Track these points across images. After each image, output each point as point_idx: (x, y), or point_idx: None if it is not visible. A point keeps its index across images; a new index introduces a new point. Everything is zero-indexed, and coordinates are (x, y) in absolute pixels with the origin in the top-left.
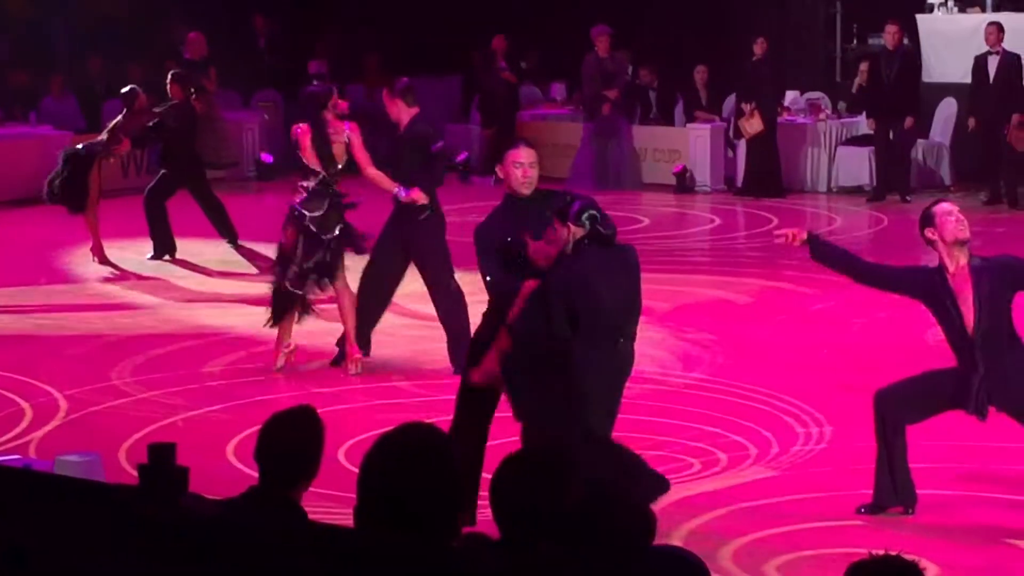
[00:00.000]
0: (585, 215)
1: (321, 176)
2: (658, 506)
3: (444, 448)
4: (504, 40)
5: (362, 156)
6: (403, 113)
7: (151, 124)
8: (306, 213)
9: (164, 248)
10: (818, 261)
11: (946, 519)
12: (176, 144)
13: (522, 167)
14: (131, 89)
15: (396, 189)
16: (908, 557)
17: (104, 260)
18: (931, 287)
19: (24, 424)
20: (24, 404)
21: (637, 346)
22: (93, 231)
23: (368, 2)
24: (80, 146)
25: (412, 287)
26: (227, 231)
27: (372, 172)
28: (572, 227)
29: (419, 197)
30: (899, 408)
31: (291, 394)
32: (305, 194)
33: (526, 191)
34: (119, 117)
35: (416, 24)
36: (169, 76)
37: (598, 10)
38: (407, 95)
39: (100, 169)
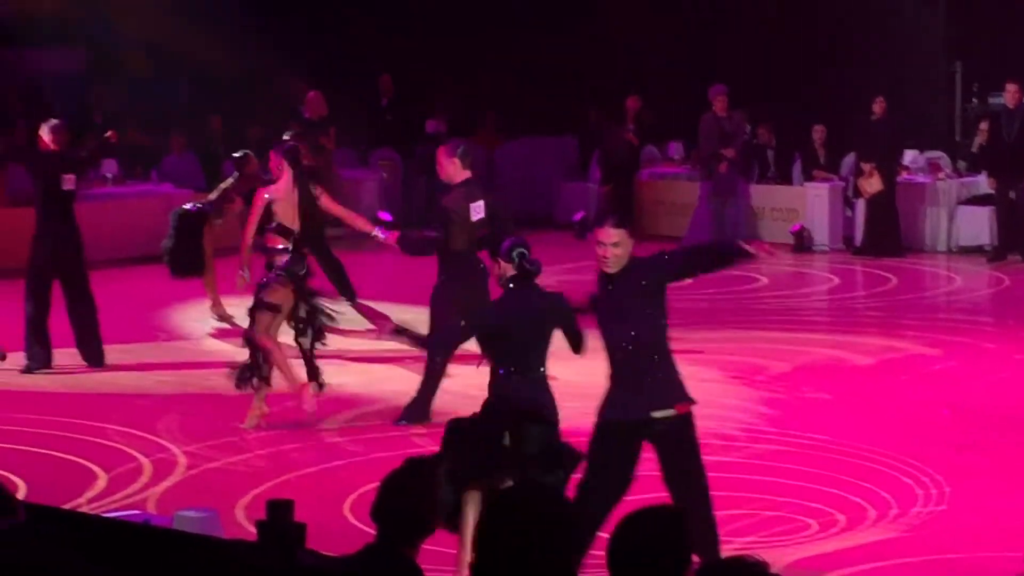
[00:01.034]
0: (515, 252)
1: (295, 234)
2: (776, 566)
3: (563, 507)
4: (637, 101)
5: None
6: (458, 174)
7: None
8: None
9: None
10: None
11: None
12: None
13: (603, 247)
14: (244, 154)
15: (375, 231)
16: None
17: (224, 316)
18: None
19: (144, 479)
20: (143, 459)
21: (755, 405)
22: (211, 288)
23: (485, 61)
24: (189, 205)
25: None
26: (346, 289)
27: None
28: (502, 263)
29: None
30: None
31: (407, 451)
32: (287, 255)
33: (608, 270)
34: (230, 179)
35: (533, 83)
36: (287, 136)
37: (716, 69)
38: (465, 157)
39: (212, 229)
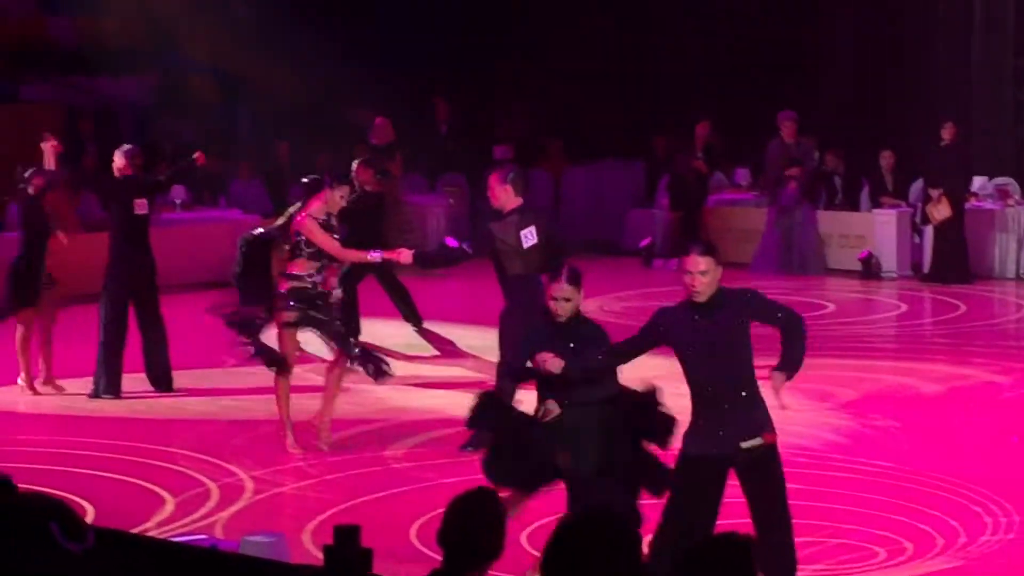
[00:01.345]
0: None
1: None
2: None
3: (627, 532)
4: (707, 127)
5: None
6: (510, 201)
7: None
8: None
9: (413, 320)
10: None
11: None
12: (363, 227)
13: (691, 276)
14: (312, 179)
15: (369, 255)
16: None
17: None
18: None
19: (211, 504)
20: (211, 484)
21: (822, 432)
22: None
23: (553, 87)
24: (256, 232)
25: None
26: (411, 315)
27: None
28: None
29: (394, 256)
30: None
31: (473, 478)
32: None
33: (698, 299)
34: (298, 204)
35: (599, 109)
36: (355, 163)
37: (784, 94)
38: (516, 183)
39: (279, 254)
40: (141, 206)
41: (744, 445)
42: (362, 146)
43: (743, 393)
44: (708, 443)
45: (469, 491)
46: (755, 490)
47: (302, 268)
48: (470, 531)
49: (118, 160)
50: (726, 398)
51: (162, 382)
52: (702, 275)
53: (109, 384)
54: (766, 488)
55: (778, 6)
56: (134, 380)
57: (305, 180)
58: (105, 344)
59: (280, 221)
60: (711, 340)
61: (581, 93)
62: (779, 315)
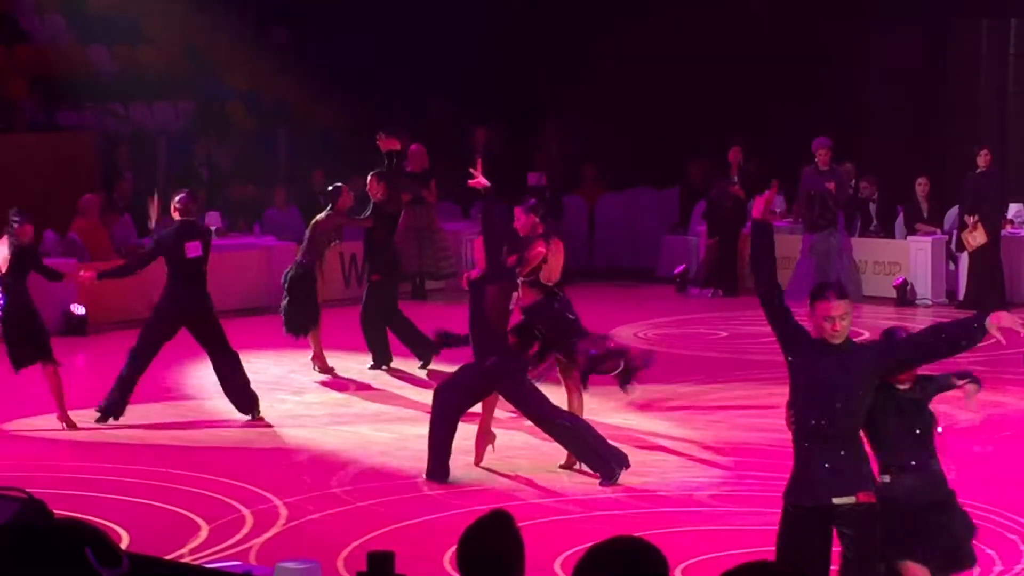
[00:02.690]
0: None
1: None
2: None
3: (655, 560)
4: (740, 152)
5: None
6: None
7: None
8: None
9: (382, 359)
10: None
11: None
12: (380, 240)
13: (832, 321)
14: (336, 187)
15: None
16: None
17: (325, 369)
18: None
19: (245, 530)
20: (245, 511)
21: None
22: (315, 341)
23: (587, 113)
24: (294, 269)
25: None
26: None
27: None
28: None
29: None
30: None
31: (505, 504)
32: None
33: (837, 342)
34: (321, 214)
35: (634, 135)
36: (370, 176)
37: (819, 121)
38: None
39: (323, 276)
40: (193, 248)
41: (836, 501)
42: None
43: (843, 441)
44: (804, 495)
45: (486, 516)
46: (845, 547)
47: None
48: (485, 557)
49: (174, 205)
50: (825, 445)
51: (246, 407)
52: (842, 319)
53: (109, 405)
54: (856, 548)
55: (816, 33)
56: (170, 407)
57: (330, 188)
58: (126, 376)
59: (306, 235)
60: (828, 375)
61: (616, 119)
62: (909, 337)
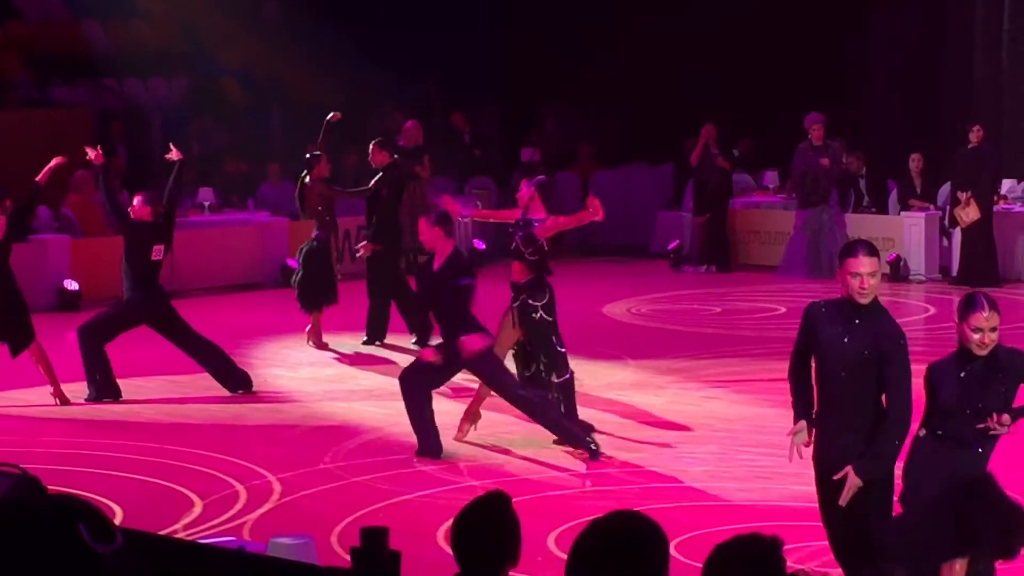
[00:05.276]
0: None
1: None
2: None
3: (654, 535)
4: (713, 127)
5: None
6: (440, 243)
7: (370, 194)
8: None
9: (375, 334)
10: None
11: None
12: (385, 211)
13: (858, 278)
14: (315, 155)
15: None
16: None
17: (319, 344)
18: None
19: (239, 506)
20: (239, 486)
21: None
22: (315, 315)
23: (582, 91)
24: (311, 238)
25: (625, 376)
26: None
27: None
28: None
29: None
30: None
31: (498, 480)
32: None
33: (864, 301)
34: (304, 183)
35: (628, 112)
36: (372, 143)
37: (812, 97)
38: (446, 225)
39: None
40: (158, 252)
41: (834, 477)
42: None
43: (859, 418)
44: (822, 456)
45: (482, 496)
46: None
47: None
48: (482, 537)
49: (139, 208)
50: (844, 416)
51: (239, 384)
52: (870, 276)
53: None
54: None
55: (811, 10)
56: (164, 383)
57: (307, 156)
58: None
59: (298, 204)
60: (855, 347)
61: (610, 96)
62: (892, 387)
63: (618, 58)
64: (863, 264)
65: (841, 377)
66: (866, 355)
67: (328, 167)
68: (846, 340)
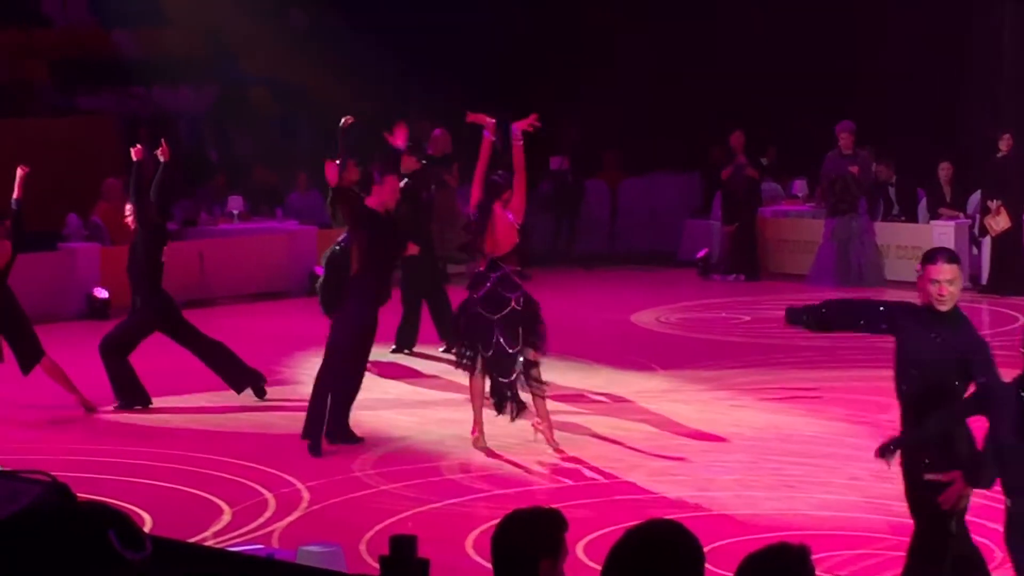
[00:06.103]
0: None
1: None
2: None
3: (690, 543)
4: (742, 136)
5: None
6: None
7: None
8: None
9: (404, 343)
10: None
11: None
12: (417, 215)
13: (938, 285)
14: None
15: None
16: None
17: None
18: None
19: (268, 514)
20: (268, 495)
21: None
22: None
23: (610, 99)
24: (336, 247)
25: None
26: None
27: None
28: None
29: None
30: None
31: (522, 489)
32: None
33: (943, 308)
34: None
35: (656, 121)
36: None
37: (841, 106)
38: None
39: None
40: (166, 253)
41: (927, 476)
42: (418, 157)
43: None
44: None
45: (524, 509)
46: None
47: None
48: (522, 549)
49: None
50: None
51: (242, 386)
52: (950, 284)
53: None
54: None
55: (840, 16)
56: (196, 392)
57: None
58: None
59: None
60: (936, 357)
61: (638, 103)
62: (982, 382)
63: (646, 66)
64: (943, 271)
65: (912, 375)
66: (946, 361)
67: (356, 171)
68: (929, 342)
